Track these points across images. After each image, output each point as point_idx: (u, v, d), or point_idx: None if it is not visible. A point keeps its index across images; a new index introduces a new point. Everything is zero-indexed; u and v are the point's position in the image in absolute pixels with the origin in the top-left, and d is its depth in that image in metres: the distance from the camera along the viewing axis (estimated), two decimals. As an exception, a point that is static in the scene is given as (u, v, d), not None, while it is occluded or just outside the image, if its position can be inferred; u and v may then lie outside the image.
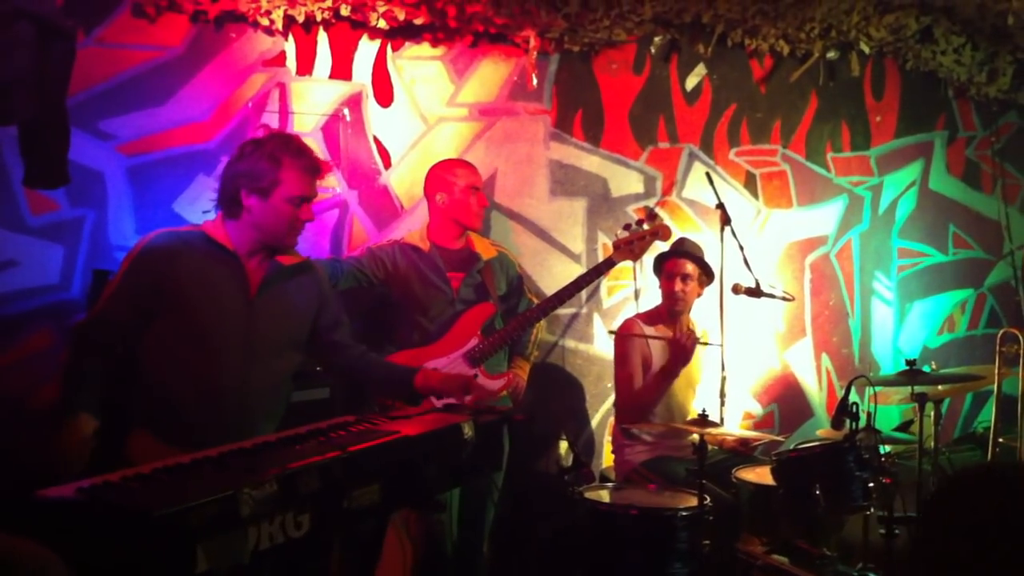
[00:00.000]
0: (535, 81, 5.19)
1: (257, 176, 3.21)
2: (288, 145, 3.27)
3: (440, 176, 4.56)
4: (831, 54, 5.86)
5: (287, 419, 3.36)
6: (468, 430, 3.09)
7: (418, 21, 4.82)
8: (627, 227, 4.73)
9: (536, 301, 4.71)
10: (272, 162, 3.20)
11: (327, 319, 3.52)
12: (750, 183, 5.87)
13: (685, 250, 4.83)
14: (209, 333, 3.22)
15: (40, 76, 2.37)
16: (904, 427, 4.96)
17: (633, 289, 5.52)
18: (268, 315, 3.31)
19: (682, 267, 4.78)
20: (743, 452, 4.74)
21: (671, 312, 4.83)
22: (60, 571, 1.78)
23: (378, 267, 4.50)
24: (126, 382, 3.23)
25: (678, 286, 4.77)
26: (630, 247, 4.69)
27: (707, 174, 5.32)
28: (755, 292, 4.97)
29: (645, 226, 4.75)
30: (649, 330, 4.77)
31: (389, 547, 4.49)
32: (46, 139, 2.58)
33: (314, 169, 3.30)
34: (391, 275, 4.50)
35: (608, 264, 4.68)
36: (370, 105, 4.95)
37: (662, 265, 4.87)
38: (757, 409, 5.94)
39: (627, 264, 5.43)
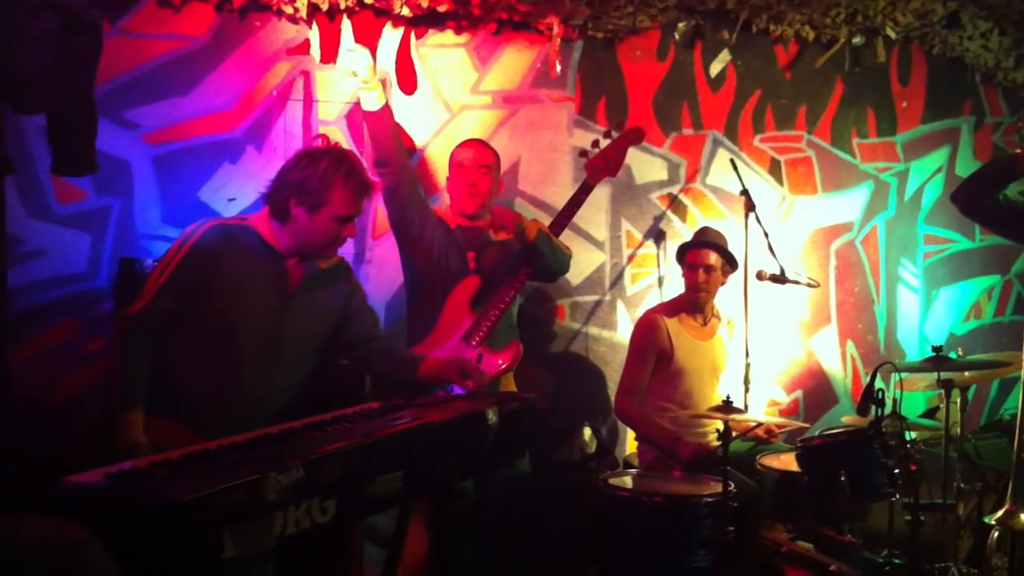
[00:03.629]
0: (559, 68, 5.17)
1: (308, 191, 3.30)
2: (341, 165, 3.35)
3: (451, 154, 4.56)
4: (856, 40, 5.81)
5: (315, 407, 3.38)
6: (492, 416, 3.10)
7: (441, 8, 4.82)
8: (595, 143, 4.59)
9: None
10: (323, 182, 3.29)
11: (353, 314, 3.59)
12: (775, 169, 5.84)
13: (708, 240, 4.80)
14: (244, 329, 3.30)
15: (66, 66, 2.39)
16: (930, 414, 4.95)
17: (657, 276, 5.51)
18: (301, 316, 3.41)
19: (705, 258, 4.74)
20: (764, 440, 4.72)
21: (693, 303, 4.81)
22: (100, 555, 1.78)
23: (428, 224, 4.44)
24: (154, 365, 3.27)
25: (700, 277, 4.74)
26: (606, 162, 4.55)
27: (731, 161, 5.30)
28: (780, 279, 4.96)
29: (614, 134, 4.63)
30: (671, 322, 4.74)
31: (413, 537, 4.50)
32: (73, 128, 2.60)
33: (363, 190, 3.41)
34: (424, 238, 4.40)
35: (586, 189, 4.51)
36: (394, 93, 4.95)
37: (684, 255, 4.84)
38: (782, 396, 5.92)
39: (650, 251, 5.45)
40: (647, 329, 4.73)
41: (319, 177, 3.28)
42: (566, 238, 4.59)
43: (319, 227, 3.33)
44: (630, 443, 5.24)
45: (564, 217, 4.48)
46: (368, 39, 4.85)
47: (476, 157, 4.45)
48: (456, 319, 4.27)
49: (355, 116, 4.87)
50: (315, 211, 3.30)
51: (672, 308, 4.83)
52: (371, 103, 4.27)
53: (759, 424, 4.63)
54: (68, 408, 4.30)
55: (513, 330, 4.47)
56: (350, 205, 3.35)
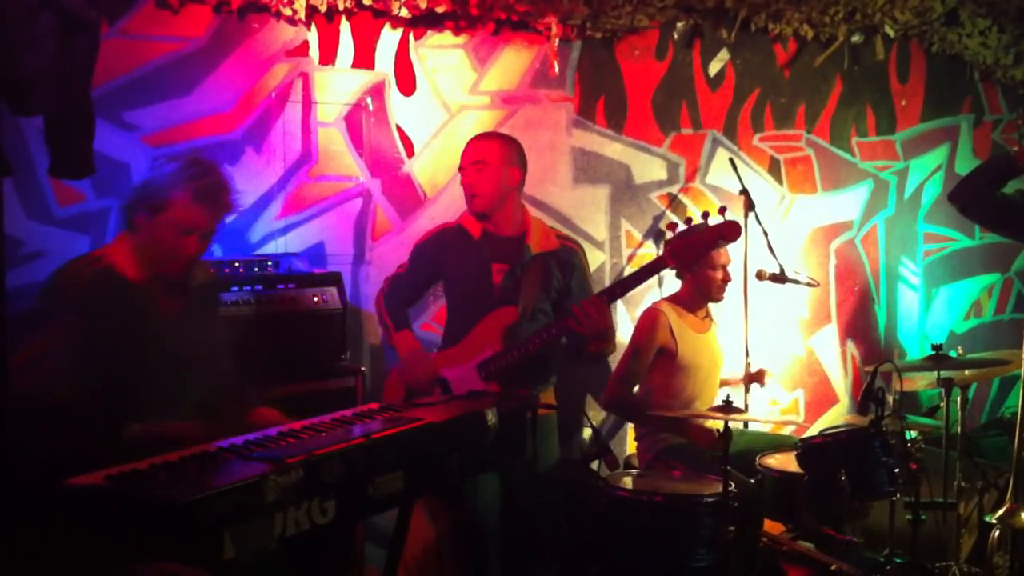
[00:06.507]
0: (557, 68, 5.18)
1: (149, 192, 3.07)
2: (190, 168, 3.09)
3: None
4: (855, 38, 5.82)
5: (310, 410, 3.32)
6: (491, 417, 3.10)
7: (440, 9, 4.82)
8: (687, 221, 4.08)
9: None
10: (167, 182, 3.04)
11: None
12: (774, 169, 5.84)
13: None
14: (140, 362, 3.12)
15: (65, 67, 2.38)
16: (930, 412, 4.94)
17: (657, 276, 5.49)
18: (183, 342, 3.16)
19: (727, 257, 4.73)
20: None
21: (702, 302, 4.79)
22: None
23: (422, 260, 4.35)
24: None
25: (720, 276, 4.72)
26: (686, 251, 4.01)
27: (731, 160, 5.31)
28: (780, 278, 4.96)
29: (710, 222, 4.06)
30: (673, 316, 4.72)
31: (417, 535, 4.49)
32: (71, 129, 2.59)
33: (209, 200, 3.09)
34: (437, 263, 4.31)
35: (657, 269, 4.05)
36: (392, 94, 4.95)
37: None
38: (782, 395, 5.92)
39: (650, 251, 5.45)
40: (651, 323, 4.68)
41: (163, 177, 3.04)
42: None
43: (157, 235, 3.06)
44: (630, 443, 5.24)
45: (621, 288, 4.09)
46: (367, 40, 4.85)
47: (469, 153, 4.21)
48: (481, 344, 4.10)
49: (354, 117, 4.87)
50: (154, 216, 3.04)
51: (674, 303, 4.80)
52: None
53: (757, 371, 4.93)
54: (68, 409, 4.29)
55: (541, 377, 4.30)
56: (190, 213, 3.05)
